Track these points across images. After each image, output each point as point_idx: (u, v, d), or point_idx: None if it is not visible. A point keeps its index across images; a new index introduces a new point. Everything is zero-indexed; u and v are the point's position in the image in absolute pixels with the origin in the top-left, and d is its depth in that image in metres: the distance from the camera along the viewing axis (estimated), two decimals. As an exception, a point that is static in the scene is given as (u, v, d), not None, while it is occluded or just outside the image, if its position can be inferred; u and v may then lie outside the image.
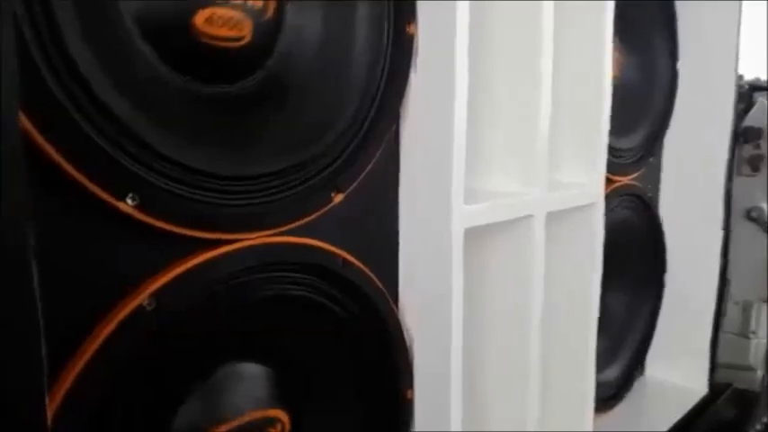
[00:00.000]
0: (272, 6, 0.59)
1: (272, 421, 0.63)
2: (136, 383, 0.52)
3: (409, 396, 0.74)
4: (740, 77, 1.26)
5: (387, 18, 0.66)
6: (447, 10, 0.67)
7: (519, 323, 0.83)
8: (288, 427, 0.65)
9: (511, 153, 0.81)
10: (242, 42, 0.57)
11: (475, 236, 0.75)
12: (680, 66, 1.22)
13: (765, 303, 1.35)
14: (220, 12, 0.55)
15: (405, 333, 0.73)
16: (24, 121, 0.43)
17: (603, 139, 0.93)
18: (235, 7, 0.56)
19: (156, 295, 0.51)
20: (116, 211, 0.49)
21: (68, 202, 0.48)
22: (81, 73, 0.46)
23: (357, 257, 0.67)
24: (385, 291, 0.70)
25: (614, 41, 1.03)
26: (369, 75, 0.65)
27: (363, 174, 0.67)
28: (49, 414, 0.37)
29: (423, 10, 0.69)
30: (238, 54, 0.57)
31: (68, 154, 0.46)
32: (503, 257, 0.82)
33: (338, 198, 0.64)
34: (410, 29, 0.68)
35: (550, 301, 0.87)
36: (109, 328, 0.49)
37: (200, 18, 0.54)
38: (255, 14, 0.58)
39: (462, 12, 0.67)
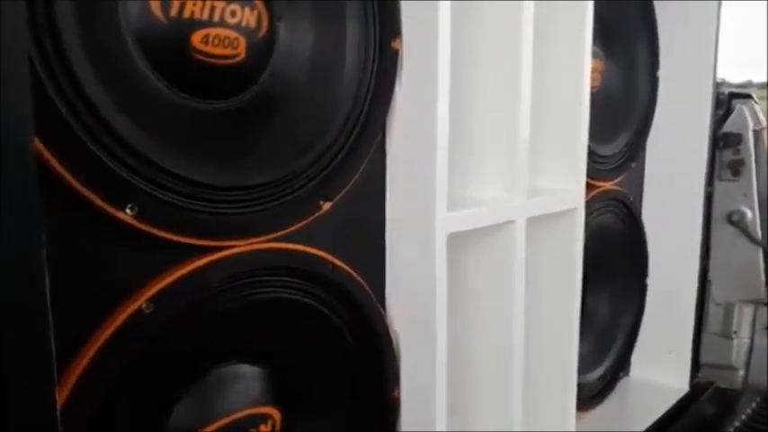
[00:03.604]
0: (264, 25, 0.62)
1: (264, 418, 0.66)
2: (135, 382, 0.55)
3: (396, 395, 0.77)
4: (718, 84, 1.29)
5: (372, 33, 0.69)
6: (429, 23, 0.70)
7: (502, 325, 0.86)
8: (279, 423, 0.68)
9: (492, 160, 0.84)
10: (236, 60, 0.60)
11: (458, 241, 0.78)
12: (660, 73, 1.25)
13: (748, 305, 1.38)
14: (216, 31, 0.58)
15: (391, 334, 0.76)
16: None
17: (583, 144, 0.96)
18: (229, 27, 0.59)
19: (154, 299, 0.54)
20: (116, 219, 0.52)
21: (71, 212, 0.51)
22: (85, 91, 0.49)
23: (345, 262, 0.70)
24: (372, 294, 0.74)
25: (596, 50, 1.07)
26: (356, 88, 0.69)
27: (351, 182, 0.70)
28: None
29: (406, 25, 0.72)
30: (233, 71, 0.60)
31: (71, 166, 0.49)
32: (485, 261, 0.85)
33: (327, 206, 0.67)
34: (395, 44, 0.71)
35: (533, 303, 0.90)
36: (110, 330, 0.52)
37: (196, 38, 0.57)
38: (249, 33, 0.61)
39: (444, 24, 0.70)
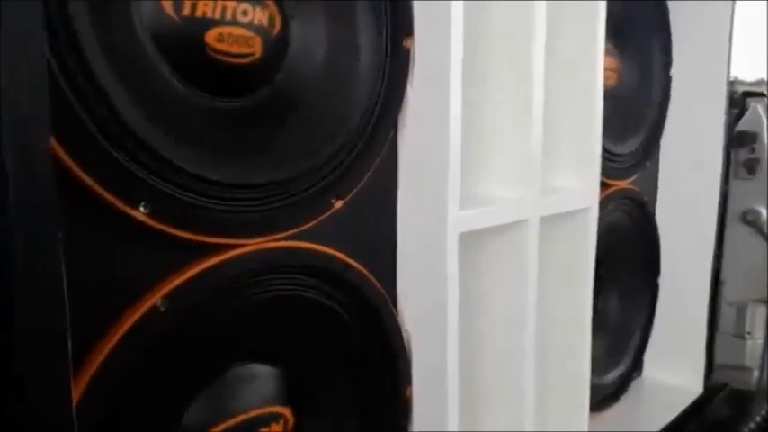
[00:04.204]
0: (277, 24, 0.63)
1: (276, 417, 0.67)
2: (149, 379, 0.55)
3: (408, 394, 0.77)
4: (732, 83, 1.28)
5: (385, 33, 0.70)
6: (442, 22, 0.70)
7: (514, 325, 0.86)
8: (291, 422, 0.68)
9: (505, 158, 0.84)
10: (252, 58, 0.61)
11: (470, 240, 0.77)
12: (673, 71, 1.25)
13: (760, 304, 1.37)
14: (230, 30, 0.58)
15: (403, 333, 0.76)
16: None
17: (597, 143, 0.96)
18: (243, 25, 0.59)
19: (169, 297, 0.55)
20: (129, 218, 0.52)
21: (84, 210, 0.51)
22: (100, 89, 0.49)
23: (357, 261, 0.70)
24: (384, 293, 0.74)
25: (610, 49, 1.06)
26: (368, 87, 0.69)
27: (363, 181, 0.70)
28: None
29: (419, 23, 0.72)
30: (249, 69, 0.60)
31: (85, 164, 0.49)
32: (498, 261, 0.85)
33: (338, 204, 0.67)
34: (407, 43, 0.71)
35: (545, 303, 0.89)
36: (125, 327, 0.52)
37: (211, 36, 0.57)
38: (263, 32, 0.61)
39: (456, 23, 0.70)
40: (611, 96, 1.02)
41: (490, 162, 0.85)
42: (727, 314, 1.36)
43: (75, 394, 0.50)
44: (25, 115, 0.35)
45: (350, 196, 0.69)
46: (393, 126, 0.73)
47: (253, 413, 0.65)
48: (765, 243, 1.32)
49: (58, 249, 0.35)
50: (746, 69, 1.33)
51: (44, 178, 0.35)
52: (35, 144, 0.35)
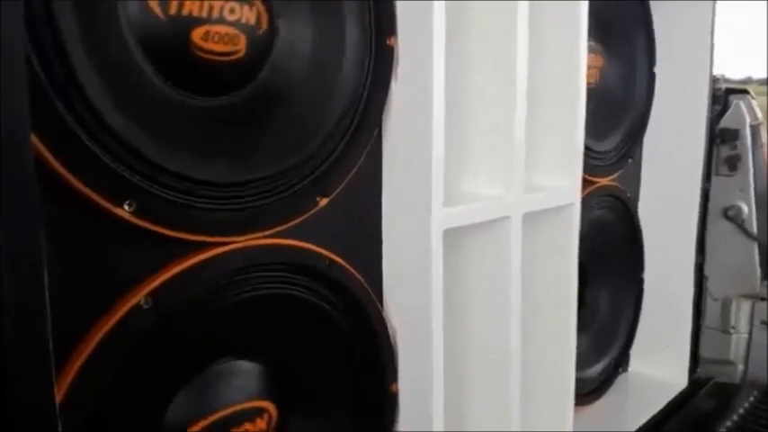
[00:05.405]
0: (264, 22, 0.63)
1: (260, 412, 0.67)
2: (134, 377, 0.55)
3: (394, 390, 0.78)
4: (716, 80, 1.30)
5: (369, 31, 0.70)
6: (424, 20, 0.70)
7: (499, 321, 0.87)
8: (275, 418, 0.68)
9: (488, 156, 0.84)
10: (237, 56, 0.61)
11: (454, 236, 0.78)
12: (656, 69, 1.26)
13: (745, 299, 1.39)
14: (216, 28, 0.59)
15: (389, 329, 0.77)
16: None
17: (579, 140, 0.97)
18: (229, 23, 0.60)
19: (153, 294, 0.55)
20: (114, 216, 0.52)
21: (69, 209, 0.51)
22: (83, 89, 0.49)
23: (342, 258, 0.71)
24: (369, 289, 0.74)
25: (593, 46, 1.07)
26: (353, 85, 0.69)
27: (348, 178, 0.70)
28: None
29: (402, 22, 0.72)
30: (233, 67, 0.61)
31: (69, 163, 0.49)
32: (482, 257, 0.86)
33: (323, 202, 0.68)
34: (391, 41, 0.72)
35: (529, 298, 0.90)
36: (109, 324, 0.53)
37: (197, 34, 0.57)
38: (249, 30, 0.62)
39: (439, 20, 0.70)
40: (593, 94, 1.03)
41: (474, 159, 0.85)
42: (712, 309, 1.38)
43: (59, 392, 0.50)
44: (6, 113, 0.35)
45: (335, 194, 0.69)
46: (377, 124, 0.73)
47: (236, 408, 0.65)
48: (747, 239, 1.34)
49: (40, 248, 0.36)
50: (747, 67, 1.35)
51: (27, 178, 0.35)
52: (16, 143, 0.36)
